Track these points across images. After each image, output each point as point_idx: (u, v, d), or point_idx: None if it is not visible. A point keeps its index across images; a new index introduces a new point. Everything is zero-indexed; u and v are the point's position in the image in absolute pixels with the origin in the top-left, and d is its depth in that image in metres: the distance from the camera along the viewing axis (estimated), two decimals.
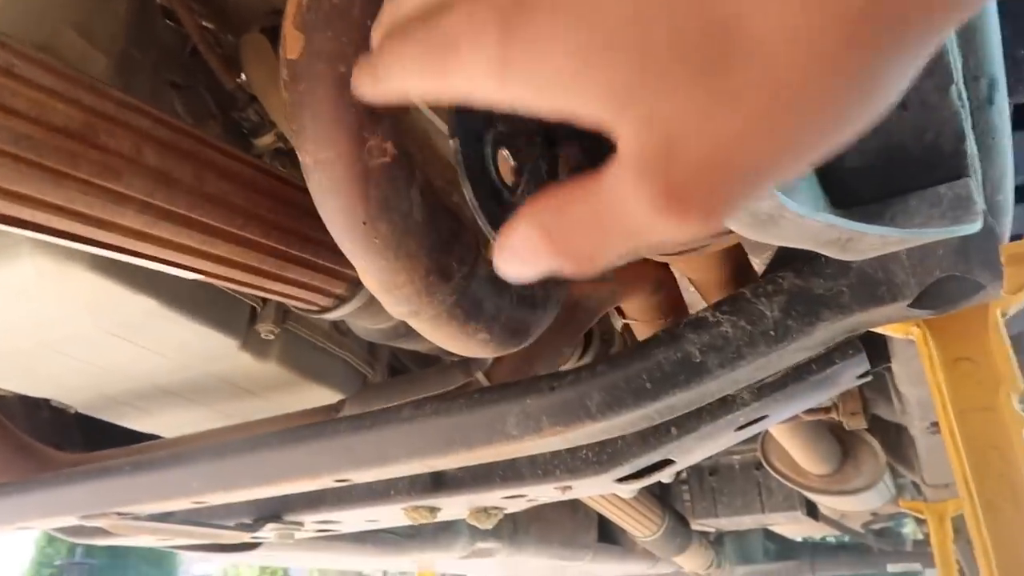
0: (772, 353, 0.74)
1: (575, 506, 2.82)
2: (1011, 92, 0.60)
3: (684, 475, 3.18)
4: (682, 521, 3.01)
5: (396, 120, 0.62)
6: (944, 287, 0.69)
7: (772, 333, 0.73)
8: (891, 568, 3.93)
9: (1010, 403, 0.73)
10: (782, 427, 1.86)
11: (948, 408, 0.75)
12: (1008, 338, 0.76)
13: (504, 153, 0.59)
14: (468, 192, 0.53)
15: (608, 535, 3.10)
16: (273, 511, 1.40)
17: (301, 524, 1.45)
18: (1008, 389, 0.73)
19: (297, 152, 0.63)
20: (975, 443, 0.73)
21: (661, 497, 3.15)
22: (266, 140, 1.06)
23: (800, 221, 0.50)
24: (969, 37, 0.52)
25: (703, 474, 3.08)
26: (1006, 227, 0.75)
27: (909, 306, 0.71)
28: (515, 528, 2.46)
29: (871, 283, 0.70)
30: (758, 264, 0.96)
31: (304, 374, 1.22)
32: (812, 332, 0.72)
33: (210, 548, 1.93)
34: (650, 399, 0.78)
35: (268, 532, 1.44)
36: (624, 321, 1.20)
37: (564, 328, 1.03)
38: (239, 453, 0.97)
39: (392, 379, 1.23)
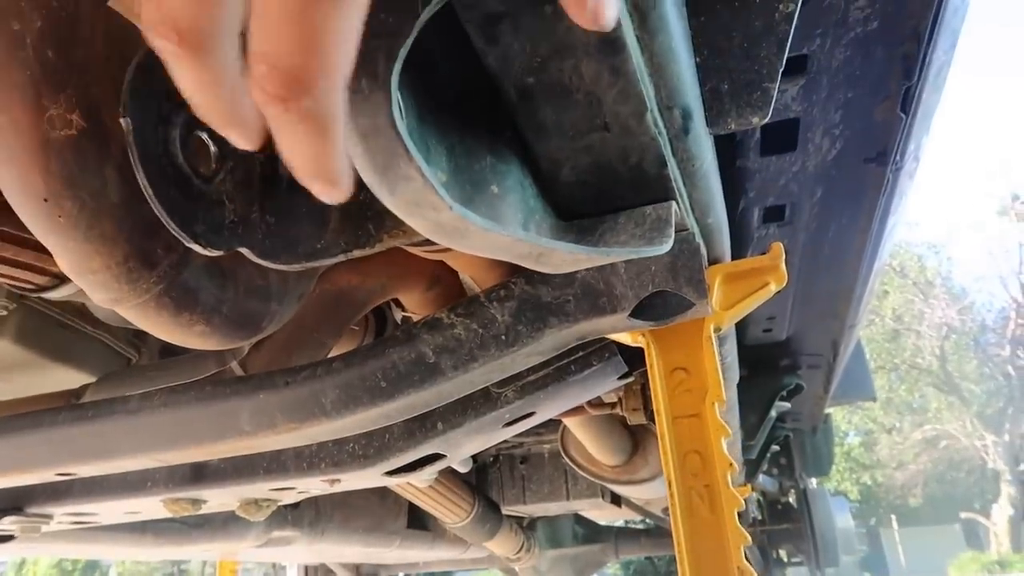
0: (504, 357, 0.75)
1: (384, 492, 2.79)
2: (711, 124, 0.63)
3: (498, 462, 3.24)
4: (493, 507, 3.07)
5: (88, 88, 0.56)
6: (658, 301, 0.73)
7: (503, 337, 0.74)
8: None
9: (714, 412, 0.78)
10: (576, 420, 1.93)
11: (663, 414, 0.80)
12: (718, 351, 0.82)
13: (203, 137, 0.55)
14: (141, 177, 0.49)
15: (419, 521, 3.11)
16: (12, 503, 1.27)
17: (49, 517, 1.33)
18: (713, 399, 0.78)
19: None
20: (681, 447, 0.78)
21: (476, 484, 3.19)
22: None
23: (486, 234, 0.50)
24: (660, 69, 0.54)
25: (514, 462, 3.16)
26: (722, 247, 0.80)
27: (629, 317, 0.74)
28: (317, 515, 2.40)
29: (594, 294, 0.72)
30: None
31: (47, 354, 1.11)
32: (540, 338, 0.74)
33: None
34: (385, 398, 0.77)
35: (9, 525, 1.31)
36: (404, 314, 1.19)
37: (327, 319, 1.00)
38: None
39: (142, 365, 1.14)
